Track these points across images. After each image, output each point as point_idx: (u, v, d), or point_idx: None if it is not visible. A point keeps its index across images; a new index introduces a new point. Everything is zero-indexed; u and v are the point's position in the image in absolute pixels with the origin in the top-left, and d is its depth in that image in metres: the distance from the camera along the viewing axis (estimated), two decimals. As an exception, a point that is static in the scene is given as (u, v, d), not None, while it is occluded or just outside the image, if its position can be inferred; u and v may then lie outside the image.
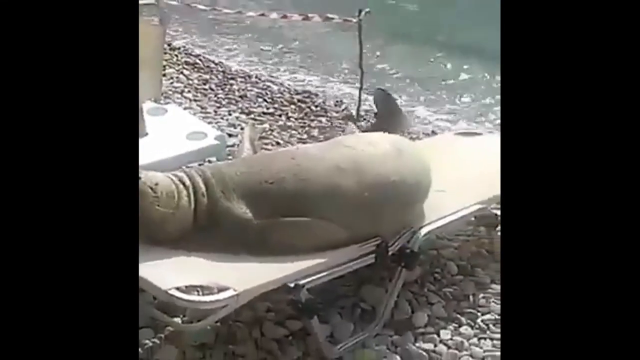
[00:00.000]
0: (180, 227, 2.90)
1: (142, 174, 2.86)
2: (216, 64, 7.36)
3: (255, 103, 6.16)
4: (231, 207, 2.92)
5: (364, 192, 3.00)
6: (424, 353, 3.06)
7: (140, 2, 4.80)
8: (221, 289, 2.70)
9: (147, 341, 3.02)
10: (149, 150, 3.43)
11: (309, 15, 6.66)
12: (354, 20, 6.18)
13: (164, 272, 2.77)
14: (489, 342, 3.15)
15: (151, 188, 2.86)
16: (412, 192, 3.18)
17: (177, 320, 3.06)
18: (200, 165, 4.30)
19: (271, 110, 6.03)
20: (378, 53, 8.10)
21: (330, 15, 6.64)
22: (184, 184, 2.94)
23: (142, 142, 3.51)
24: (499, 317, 3.23)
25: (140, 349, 2.97)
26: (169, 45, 7.36)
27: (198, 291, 2.74)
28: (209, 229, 2.93)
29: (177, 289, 2.66)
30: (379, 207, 3.05)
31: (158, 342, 3.02)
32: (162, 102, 4.47)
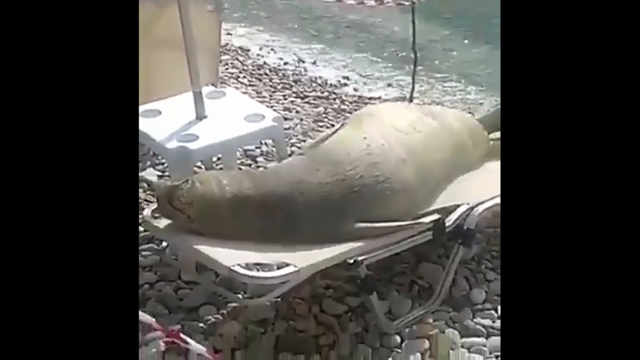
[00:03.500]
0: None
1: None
2: (271, 50, 7.42)
3: (309, 87, 6.21)
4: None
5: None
6: (482, 329, 3.09)
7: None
8: (281, 266, 2.78)
9: (209, 317, 3.10)
10: (209, 132, 3.51)
11: (364, 0, 6.68)
12: (408, 3, 6.19)
13: (227, 250, 2.85)
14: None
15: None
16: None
17: (239, 296, 3.15)
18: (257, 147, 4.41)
19: (325, 94, 6.08)
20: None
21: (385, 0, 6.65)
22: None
23: (202, 125, 3.59)
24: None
25: (203, 325, 3.06)
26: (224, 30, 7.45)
27: (258, 269, 2.82)
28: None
29: (239, 265, 2.74)
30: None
31: (221, 317, 3.10)
32: (219, 87, 4.55)
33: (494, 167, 3.59)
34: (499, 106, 4.53)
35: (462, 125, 3.60)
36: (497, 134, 3.67)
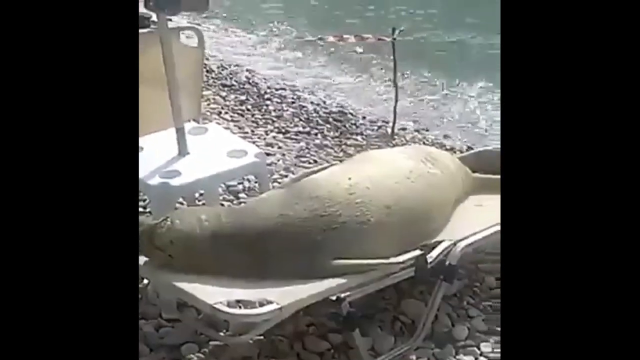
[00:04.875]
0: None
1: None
2: (252, 85, 7.46)
3: (291, 122, 6.24)
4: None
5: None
6: (465, 365, 3.09)
7: (177, 24, 4.91)
8: (263, 303, 2.77)
9: (191, 355, 3.08)
10: (191, 169, 3.50)
11: (344, 36, 6.75)
12: (388, 39, 6.26)
13: (208, 287, 2.84)
14: (529, 354, 3.16)
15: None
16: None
17: (221, 334, 3.13)
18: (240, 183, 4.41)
19: (307, 129, 6.10)
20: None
21: (365, 35, 6.72)
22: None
23: (184, 161, 3.59)
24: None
25: (185, 363, 3.04)
26: (205, 67, 7.48)
27: (240, 306, 2.82)
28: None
29: (221, 303, 2.73)
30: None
31: (202, 356, 3.08)
32: (201, 123, 4.56)
33: (475, 204, 3.65)
34: (480, 149, 4.62)
35: (456, 167, 3.66)
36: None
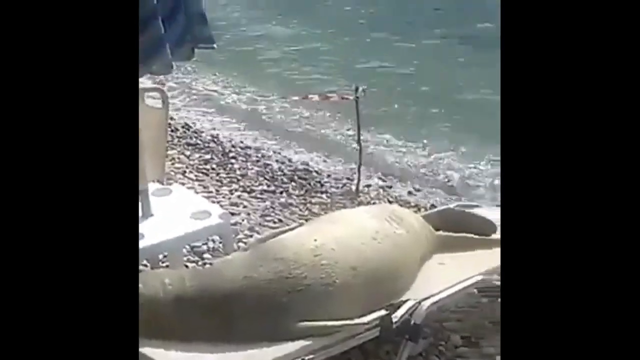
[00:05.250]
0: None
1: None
2: (217, 144, 7.47)
3: (256, 181, 6.25)
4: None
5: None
6: None
7: (142, 85, 4.94)
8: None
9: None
10: (155, 231, 3.50)
11: (309, 95, 6.82)
12: (352, 97, 6.34)
13: (173, 352, 2.83)
14: (495, 413, 3.17)
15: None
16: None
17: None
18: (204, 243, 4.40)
19: (272, 188, 6.12)
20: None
21: (329, 94, 6.81)
22: None
23: (148, 223, 3.58)
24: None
25: None
26: (170, 126, 7.49)
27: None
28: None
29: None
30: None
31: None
32: (165, 183, 4.56)
33: (439, 262, 3.67)
34: (441, 207, 4.67)
35: (420, 226, 3.69)
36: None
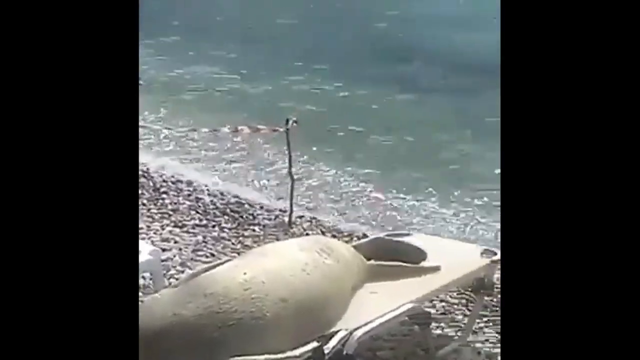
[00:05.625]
0: None
1: None
2: (147, 179, 7.41)
3: (187, 216, 6.21)
4: None
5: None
6: None
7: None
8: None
9: None
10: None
11: (238, 127, 6.83)
12: (282, 129, 6.37)
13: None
14: None
15: None
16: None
17: None
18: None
19: (204, 222, 6.09)
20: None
21: (259, 127, 6.83)
22: None
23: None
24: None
25: None
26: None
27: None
28: None
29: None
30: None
31: None
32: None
33: (370, 291, 3.70)
34: (372, 236, 4.72)
35: (351, 255, 3.72)
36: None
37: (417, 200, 7.22)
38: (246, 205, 6.74)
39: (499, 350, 3.86)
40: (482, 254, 4.06)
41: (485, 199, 7.05)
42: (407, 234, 4.64)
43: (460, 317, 4.38)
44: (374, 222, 6.73)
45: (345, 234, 6.13)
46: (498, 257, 3.97)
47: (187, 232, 5.75)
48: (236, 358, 2.94)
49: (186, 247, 5.30)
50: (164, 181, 7.43)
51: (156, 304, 3.10)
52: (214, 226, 5.99)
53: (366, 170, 7.99)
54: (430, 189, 7.39)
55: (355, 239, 5.60)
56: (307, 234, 5.93)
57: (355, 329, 3.27)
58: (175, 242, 5.40)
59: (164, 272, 4.22)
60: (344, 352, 3.19)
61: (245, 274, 3.17)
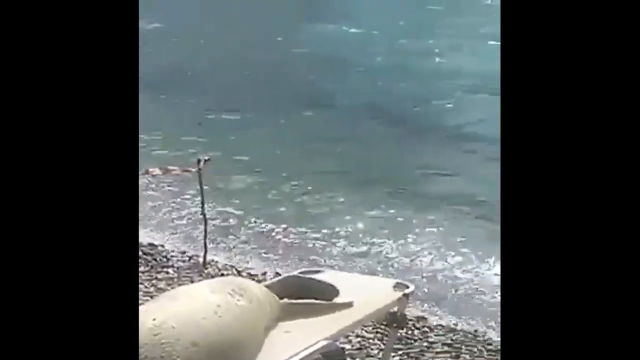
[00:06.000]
0: None
1: None
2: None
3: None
4: None
5: None
6: None
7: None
8: None
9: None
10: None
11: (149, 169, 6.77)
12: (194, 169, 6.35)
13: None
14: None
15: None
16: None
17: None
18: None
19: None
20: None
21: (170, 167, 6.78)
22: None
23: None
24: None
25: None
26: None
27: None
28: None
29: None
30: None
31: None
32: None
33: (284, 330, 3.70)
34: (284, 275, 4.71)
35: (264, 295, 3.70)
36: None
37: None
38: (159, 247, 6.67)
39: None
40: (394, 287, 4.11)
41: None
42: (319, 271, 4.66)
43: (375, 351, 4.42)
44: (288, 261, 6.74)
45: (261, 273, 6.13)
46: (410, 290, 4.02)
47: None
48: None
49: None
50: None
51: None
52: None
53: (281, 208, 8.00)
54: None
55: (269, 278, 5.59)
56: (222, 275, 5.90)
57: (270, 369, 3.26)
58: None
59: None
60: (258, 394, 3.17)
61: (154, 319, 3.13)
